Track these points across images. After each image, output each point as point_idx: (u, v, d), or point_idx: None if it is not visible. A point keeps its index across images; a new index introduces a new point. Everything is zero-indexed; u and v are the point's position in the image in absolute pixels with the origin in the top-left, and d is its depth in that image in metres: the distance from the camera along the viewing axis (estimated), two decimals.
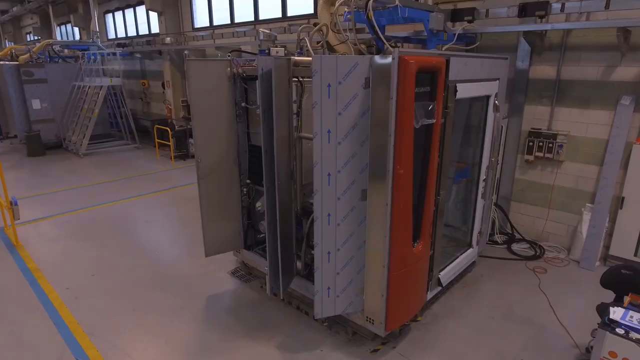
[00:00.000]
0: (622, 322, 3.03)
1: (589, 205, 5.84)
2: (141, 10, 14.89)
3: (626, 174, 5.40)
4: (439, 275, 4.65)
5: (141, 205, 8.57)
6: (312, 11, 9.19)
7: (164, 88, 13.97)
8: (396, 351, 4.15)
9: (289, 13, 9.83)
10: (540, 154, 6.13)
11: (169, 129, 11.96)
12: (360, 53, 5.32)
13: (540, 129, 6.13)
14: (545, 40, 5.84)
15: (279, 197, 4.07)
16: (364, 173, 3.60)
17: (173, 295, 5.18)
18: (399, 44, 6.31)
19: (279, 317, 4.74)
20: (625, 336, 2.93)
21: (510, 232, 6.57)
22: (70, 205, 8.34)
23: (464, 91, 4.12)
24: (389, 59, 3.23)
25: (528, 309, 4.84)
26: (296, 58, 4.07)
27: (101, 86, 12.74)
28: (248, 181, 5.14)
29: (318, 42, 5.34)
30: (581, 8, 5.15)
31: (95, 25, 14.79)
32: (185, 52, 12.85)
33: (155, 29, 14.19)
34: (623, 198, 5.44)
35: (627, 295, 3.75)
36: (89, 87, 13.00)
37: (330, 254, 3.75)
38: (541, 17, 5.40)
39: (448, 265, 4.87)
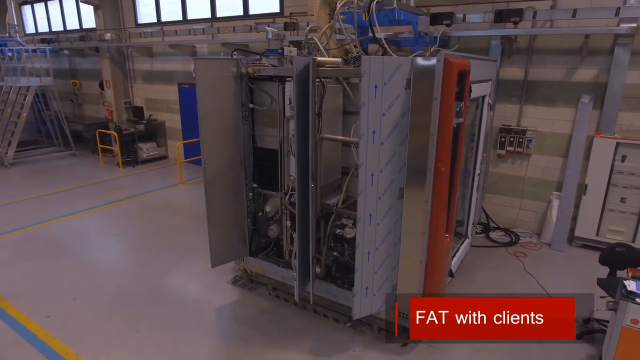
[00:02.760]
0: (639, 292, 3.46)
1: (556, 193, 6.52)
2: (69, 3, 13.47)
3: (588, 163, 6.11)
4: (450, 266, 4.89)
5: (101, 217, 7.80)
6: (277, 9, 9.05)
7: (102, 88, 12.78)
8: (424, 343, 4.30)
9: (251, 11, 9.57)
10: (511, 149, 6.71)
11: (115, 133, 11.00)
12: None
13: (510, 126, 6.70)
14: (514, 45, 6.39)
15: (306, 200, 3.98)
16: (402, 172, 3.67)
17: (176, 311, 4.82)
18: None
19: (299, 322, 4.65)
20: None
21: (486, 222, 7.09)
22: (16, 222, 7.32)
23: (475, 91, 4.37)
24: (432, 61, 3.34)
25: (522, 290, 5.28)
26: (320, 58, 4.02)
27: (28, 87, 11.32)
28: (255, 185, 4.95)
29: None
30: (551, 16, 5.73)
31: (12, 18, 13.07)
32: (129, 49, 11.94)
33: (88, 23, 12.93)
34: (586, 185, 6.16)
35: (621, 269, 4.31)
36: (12, 87, 11.48)
37: (370, 254, 3.77)
38: (515, 23, 5.90)
39: (454, 256, 5.15)
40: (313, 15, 7.88)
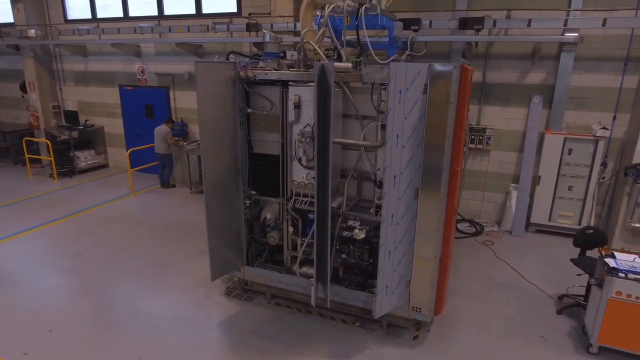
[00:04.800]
0: (620, 268, 4.00)
1: (513, 185, 7.21)
2: None
3: (541, 157, 6.84)
4: None
5: (50, 236, 6.97)
6: (234, 9, 8.79)
7: (23, 91, 11.38)
8: (432, 333, 4.53)
9: (204, 10, 9.17)
10: (473, 146, 7.28)
11: (48, 141, 9.86)
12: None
13: (471, 124, 7.25)
14: (473, 50, 6.93)
15: (325, 204, 3.97)
16: (417, 172, 3.83)
17: (176, 331, 4.52)
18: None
19: (308, 328, 4.62)
20: (626, 277, 3.89)
21: None
22: None
23: None
24: (449, 67, 3.53)
25: (501, 275, 5.78)
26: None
27: None
28: (253, 192, 4.81)
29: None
30: (509, 25, 6.32)
31: None
32: (59, 48, 10.77)
33: (1, 17, 11.42)
34: (540, 177, 6.89)
35: (590, 249, 4.92)
36: None
37: (391, 253, 3.89)
38: (478, 30, 6.41)
39: None
40: (277, 16, 7.82)
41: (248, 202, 4.82)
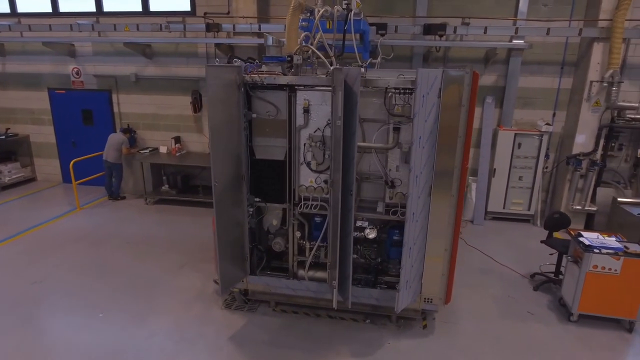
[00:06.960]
0: (594, 245, 4.63)
1: (472, 177, 7.87)
2: None
3: (495, 151, 7.57)
4: None
5: None
6: (187, 8, 8.34)
7: None
8: (438, 320, 4.83)
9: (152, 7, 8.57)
10: None
11: None
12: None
13: None
14: (433, 54, 7.44)
15: (348, 207, 4.02)
16: (432, 171, 4.05)
17: (188, 352, 4.24)
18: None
19: (322, 330, 4.64)
20: (600, 252, 4.53)
21: None
22: None
23: None
24: (461, 73, 3.80)
25: (477, 261, 6.31)
26: None
27: None
28: (257, 199, 4.68)
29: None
30: (467, 31, 6.89)
31: None
32: None
33: None
34: (495, 169, 7.63)
35: (556, 231, 5.60)
36: None
37: (411, 250, 4.08)
38: (441, 35, 6.89)
39: None
40: (239, 17, 7.61)
41: (251, 209, 4.69)
